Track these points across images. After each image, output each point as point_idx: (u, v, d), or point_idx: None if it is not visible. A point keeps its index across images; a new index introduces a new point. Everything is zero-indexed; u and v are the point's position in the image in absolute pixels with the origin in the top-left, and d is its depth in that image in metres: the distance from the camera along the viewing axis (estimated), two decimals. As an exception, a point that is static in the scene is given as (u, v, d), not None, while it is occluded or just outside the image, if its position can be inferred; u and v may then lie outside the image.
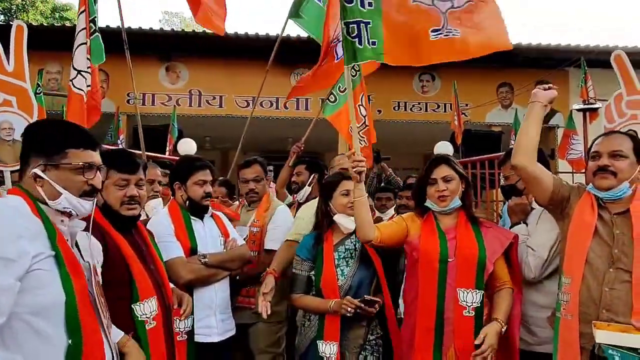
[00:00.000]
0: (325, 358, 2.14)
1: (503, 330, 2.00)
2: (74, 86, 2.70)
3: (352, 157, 2.11)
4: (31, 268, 1.17)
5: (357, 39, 2.28)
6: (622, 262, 1.77)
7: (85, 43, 2.81)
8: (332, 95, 4.17)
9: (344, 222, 2.26)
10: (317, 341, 2.17)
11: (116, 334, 1.64)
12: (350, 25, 2.25)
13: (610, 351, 1.61)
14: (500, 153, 5.56)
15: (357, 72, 4.04)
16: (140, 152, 3.69)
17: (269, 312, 2.22)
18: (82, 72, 2.75)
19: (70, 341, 1.22)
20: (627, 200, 1.86)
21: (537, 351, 2.24)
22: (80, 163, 1.33)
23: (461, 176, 2.19)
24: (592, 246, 1.83)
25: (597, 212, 1.88)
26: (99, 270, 1.48)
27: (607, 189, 1.86)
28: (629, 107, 2.64)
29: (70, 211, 1.33)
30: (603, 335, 1.64)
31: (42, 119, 1.50)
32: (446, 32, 2.35)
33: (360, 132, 4.15)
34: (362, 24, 2.26)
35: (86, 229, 1.48)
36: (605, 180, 1.85)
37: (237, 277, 2.64)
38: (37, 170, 1.28)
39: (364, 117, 4.02)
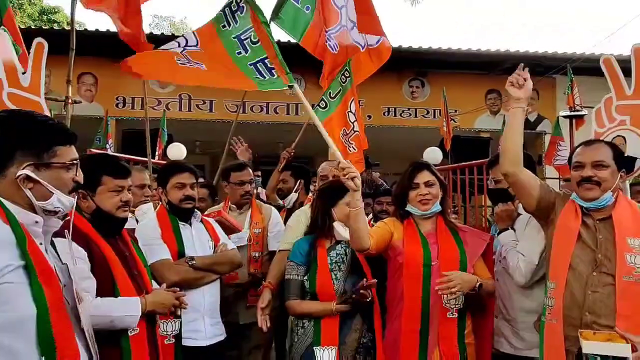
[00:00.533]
0: None
1: (476, 286, 2.04)
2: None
3: (340, 166, 2.05)
4: None
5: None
6: (606, 267, 1.80)
7: None
8: (322, 102, 4.20)
9: (342, 230, 2.26)
10: (314, 347, 2.14)
11: (133, 306, 1.67)
12: None
13: None
14: (489, 159, 5.62)
15: (347, 79, 4.08)
16: (123, 155, 3.69)
17: (269, 325, 2.30)
18: None
19: (43, 358, 1.10)
20: (610, 207, 1.89)
21: (527, 356, 2.27)
22: (69, 161, 1.26)
23: (440, 182, 2.25)
24: (576, 251, 1.86)
25: (581, 218, 1.90)
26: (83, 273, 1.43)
27: (591, 199, 1.87)
28: (619, 112, 2.55)
29: (59, 210, 1.25)
30: (589, 346, 1.67)
31: (10, 110, 1.33)
32: (194, 64, 2.72)
33: (349, 139, 4.21)
34: None
35: (59, 234, 1.39)
36: (590, 192, 1.87)
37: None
38: (28, 172, 1.17)
39: (353, 123, 4.03)
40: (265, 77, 2.62)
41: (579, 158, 1.94)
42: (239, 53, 2.70)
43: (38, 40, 2.36)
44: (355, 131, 4.07)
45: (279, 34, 4.42)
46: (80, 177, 1.31)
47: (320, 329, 2.16)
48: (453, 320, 2.08)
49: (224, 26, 2.76)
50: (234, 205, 3.07)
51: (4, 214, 1.13)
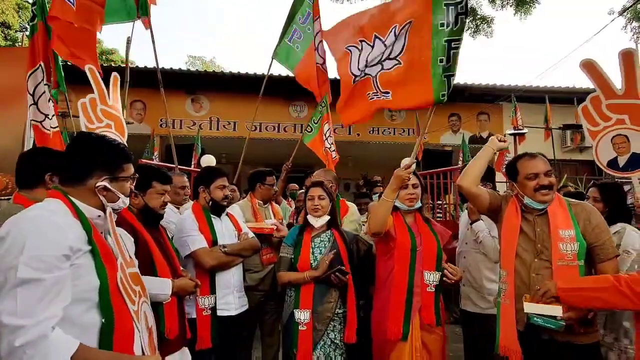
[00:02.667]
0: (300, 323, 2.10)
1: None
2: (45, 128, 2.58)
3: (408, 169, 2.07)
4: (73, 263, 1.09)
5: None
6: (544, 254, 1.76)
7: (45, 92, 2.61)
8: (309, 127, 4.37)
9: (311, 220, 2.30)
10: (294, 310, 2.15)
11: (166, 286, 1.69)
12: None
13: (535, 318, 1.64)
14: (451, 167, 5.65)
15: (323, 108, 4.22)
16: (173, 165, 3.69)
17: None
18: (49, 116, 2.61)
19: (103, 320, 1.11)
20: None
21: (490, 313, 2.34)
22: (131, 175, 1.33)
23: (421, 185, 2.26)
24: (520, 242, 1.82)
25: (522, 215, 1.85)
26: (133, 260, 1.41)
27: (548, 201, 1.80)
28: (612, 111, 2.08)
29: (120, 208, 1.32)
30: (529, 307, 1.66)
31: (87, 135, 1.38)
32: (380, 94, 2.28)
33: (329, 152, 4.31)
34: None
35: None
36: (548, 196, 1.80)
37: None
38: (105, 184, 1.24)
39: (326, 140, 4.15)
40: (444, 95, 2.05)
41: (532, 170, 1.82)
42: (441, 61, 2.05)
43: (115, 74, 2.53)
44: (331, 150, 4.10)
45: (282, 70, 4.59)
46: (133, 185, 1.37)
47: (299, 295, 2.16)
48: (431, 293, 2.07)
49: (442, 24, 2.03)
50: (260, 201, 3.01)
51: (74, 212, 1.17)
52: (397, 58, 2.21)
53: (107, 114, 2.38)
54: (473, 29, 7.67)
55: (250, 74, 8.31)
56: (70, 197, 1.19)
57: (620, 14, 7.86)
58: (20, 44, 10.44)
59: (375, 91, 2.33)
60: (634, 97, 2.01)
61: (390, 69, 2.23)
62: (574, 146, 9.08)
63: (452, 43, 2.02)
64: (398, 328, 2.02)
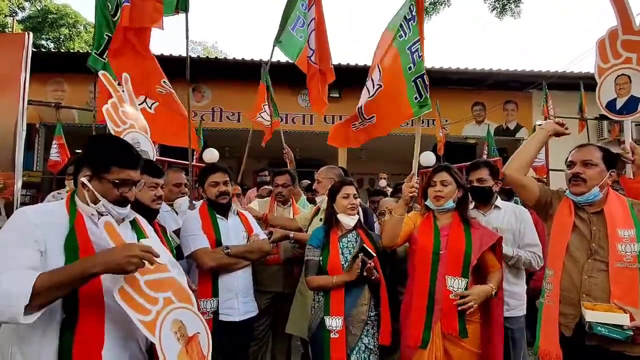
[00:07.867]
0: (331, 331, 2.10)
1: (493, 292, 2.04)
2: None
3: (410, 182, 2.15)
4: (42, 251, 1.21)
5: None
6: (599, 254, 1.75)
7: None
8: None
9: (344, 220, 2.30)
10: (325, 317, 2.14)
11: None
12: None
13: (599, 328, 1.60)
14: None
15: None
16: (173, 160, 3.70)
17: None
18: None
19: (64, 315, 1.20)
20: (601, 202, 1.84)
21: (509, 316, 2.39)
22: (118, 180, 1.35)
23: (458, 184, 2.21)
24: (572, 240, 1.81)
25: (575, 212, 1.86)
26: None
27: (578, 194, 1.84)
28: (624, 49, 2.11)
29: (106, 213, 1.35)
30: (592, 315, 1.63)
31: (100, 135, 1.50)
32: (365, 122, 2.79)
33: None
34: None
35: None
36: (577, 187, 1.83)
37: None
38: (84, 179, 1.34)
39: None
40: (421, 97, 2.44)
41: (572, 157, 1.90)
42: (410, 68, 2.50)
43: (125, 74, 2.79)
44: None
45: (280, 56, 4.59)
46: (130, 195, 1.39)
47: (329, 301, 2.16)
48: (454, 301, 2.03)
49: (400, 36, 2.55)
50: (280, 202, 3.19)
51: (68, 205, 1.33)
52: (379, 82, 2.63)
53: (127, 114, 2.62)
54: (499, 9, 7.53)
55: (256, 60, 8.29)
56: (75, 194, 1.36)
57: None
58: (10, 29, 10.61)
59: (360, 120, 2.82)
60: None
61: (374, 95, 2.66)
62: (611, 138, 8.88)
63: (412, 47, 2.48)
64: (418, 334, 2.04)
